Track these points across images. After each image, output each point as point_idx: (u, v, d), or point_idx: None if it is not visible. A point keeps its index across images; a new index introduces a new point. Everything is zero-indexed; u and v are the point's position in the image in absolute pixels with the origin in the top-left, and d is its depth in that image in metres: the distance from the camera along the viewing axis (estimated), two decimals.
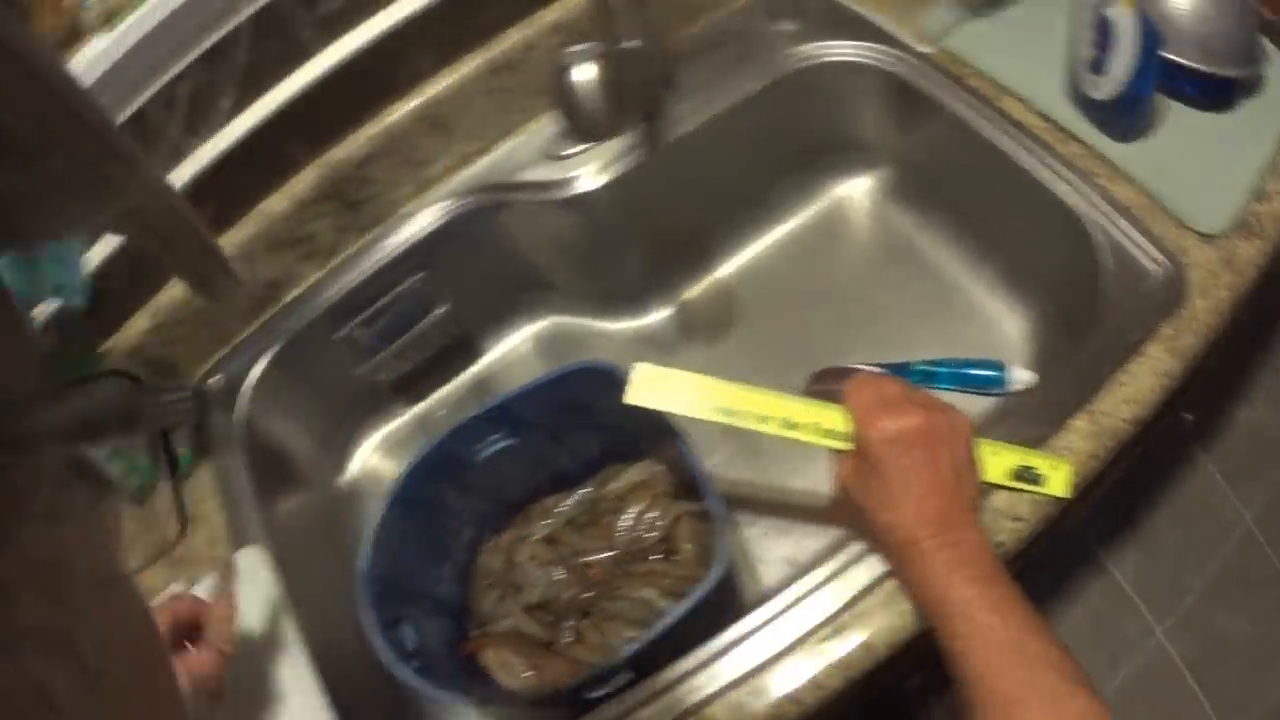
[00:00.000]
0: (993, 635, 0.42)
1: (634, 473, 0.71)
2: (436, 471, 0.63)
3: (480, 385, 0.84)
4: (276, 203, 0.70)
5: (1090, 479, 0.54)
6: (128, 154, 0.15)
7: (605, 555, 0.69)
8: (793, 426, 0.50)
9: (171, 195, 0.17)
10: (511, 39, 0.69)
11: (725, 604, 0.58)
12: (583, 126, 0.50)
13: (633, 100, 0.70)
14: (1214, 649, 1.02)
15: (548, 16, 0.70)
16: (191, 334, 0.71)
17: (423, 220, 0.72)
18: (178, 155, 0.62)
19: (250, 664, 0.58)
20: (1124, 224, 0.60)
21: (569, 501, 0.72)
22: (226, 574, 0.52)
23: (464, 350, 0.84)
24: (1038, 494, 0.52)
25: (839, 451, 0.51)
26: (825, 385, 0.72)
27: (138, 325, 0.68)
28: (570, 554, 0.70)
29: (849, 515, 0.51)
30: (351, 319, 0.73)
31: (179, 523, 0.20)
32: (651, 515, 0.69)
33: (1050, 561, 1.00)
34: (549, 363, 0.82)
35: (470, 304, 0.76)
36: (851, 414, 0.49)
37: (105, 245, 0.62)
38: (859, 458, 0.49)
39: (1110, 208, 0.61)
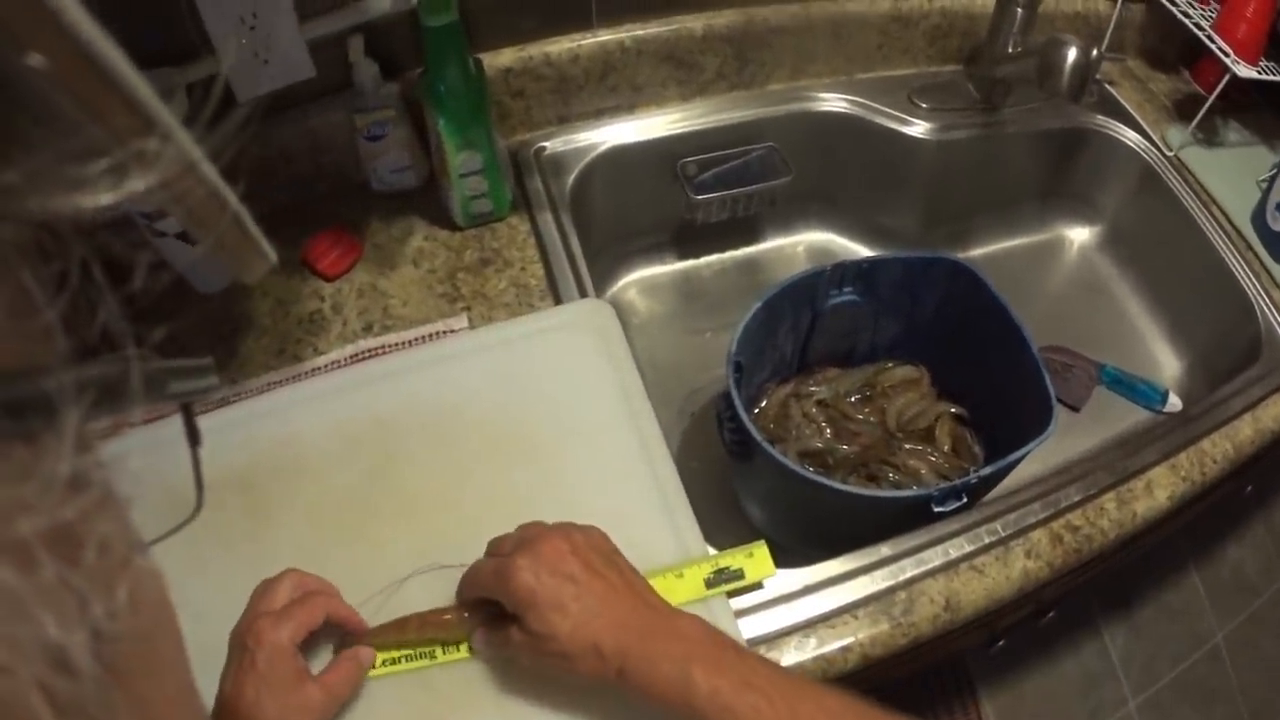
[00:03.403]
0: (760, 715, 0.38)
1: (904, 371, 0.81)
2: (795, 295, 0.71)
3: (749, 265, 0.93)
4: (693, 22, 0.79)
5: (1210, 484, 0.67)
6: (164, 127, 0.14)
7: (874, 429, 0.78)
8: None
9: (207, 172, 0.16)
10: (917, 2, 0.86)
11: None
12: (1050, 87, 0.67)
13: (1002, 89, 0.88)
14: None
15: (976, 5, 0.87)
16: (545, 93, 0.77)
17: (801, 102, 0.84)
18: None
19: (606, 417, 0.60)
20: (1276, 314, 0.84)
21: (848, 378, 0.80)
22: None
23: (749, 230, 0.92)
24: (743, 588, 0.51)
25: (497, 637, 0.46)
26: (1049, 355, 0.89)
27: (504, 57, 0.74)
28: (841, 419, 0.78)
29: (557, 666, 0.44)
30: (701, 154, 0.81)
31: (197, 497, 0.22)
32: (917, 409, 0.79)
33: (1063, 614, 1.16)
34: None
35: (793, 188, 0.85)
36: (483, 582, 0.46)
37: None
38: (518, 621, 0.43)
39: (1269, 300, 0.85)
